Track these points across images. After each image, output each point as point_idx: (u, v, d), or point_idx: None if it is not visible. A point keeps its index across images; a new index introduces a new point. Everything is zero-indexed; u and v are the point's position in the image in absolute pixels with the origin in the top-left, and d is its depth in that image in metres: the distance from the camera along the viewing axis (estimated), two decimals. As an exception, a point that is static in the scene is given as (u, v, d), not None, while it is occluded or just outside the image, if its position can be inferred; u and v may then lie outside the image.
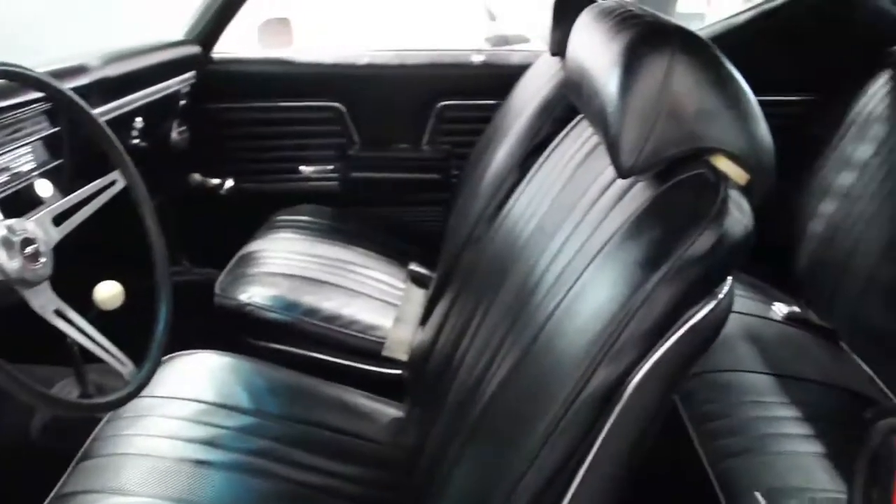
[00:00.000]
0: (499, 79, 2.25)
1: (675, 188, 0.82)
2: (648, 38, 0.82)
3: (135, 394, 1.13)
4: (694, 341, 0.77)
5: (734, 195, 0.78)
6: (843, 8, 2.23)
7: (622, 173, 0.84)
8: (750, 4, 2.28)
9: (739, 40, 2.19)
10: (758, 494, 1.16)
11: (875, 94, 1.96)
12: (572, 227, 0.98)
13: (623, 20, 0.91)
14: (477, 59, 2.36)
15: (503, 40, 3.02)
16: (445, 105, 2.35)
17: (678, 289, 0.75)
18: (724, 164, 0.81)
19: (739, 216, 0.77)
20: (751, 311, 1.79)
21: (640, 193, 0.87)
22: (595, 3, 1.06)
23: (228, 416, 1.30)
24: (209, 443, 1.22)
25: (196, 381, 1.37)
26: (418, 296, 1.89)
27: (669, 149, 0.81)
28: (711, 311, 0.77)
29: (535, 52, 2.28)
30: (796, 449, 1.30)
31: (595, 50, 0.93)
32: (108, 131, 1.25)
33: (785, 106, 2.15)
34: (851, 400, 1.52)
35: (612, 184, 0.95)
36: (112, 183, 1.21)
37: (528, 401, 0.85)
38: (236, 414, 1.31)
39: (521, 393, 0.88)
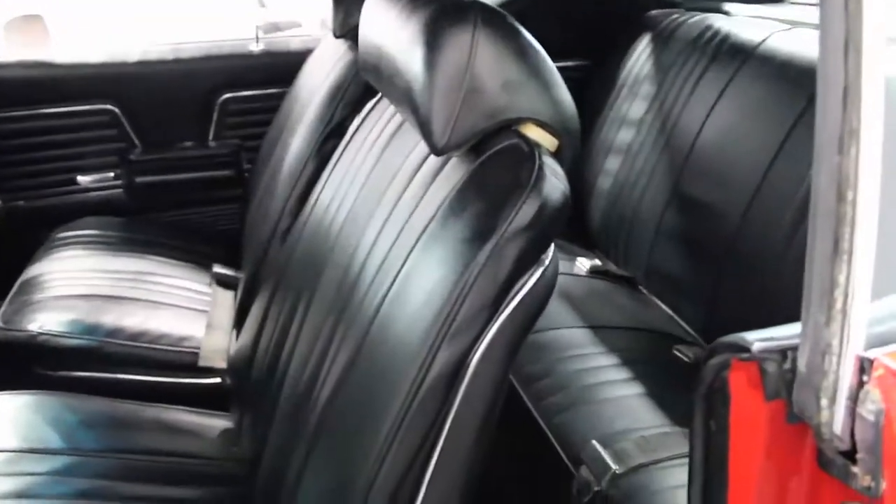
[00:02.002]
0: (281, 67, 2.19)
1: (490, 161, 0.82)
2: (449, 13, 0.81)
3: None
4: (528, 308, 0.79)
5: (548, 161, 0.80)
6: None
7: (436, 151, 0.83)
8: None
9: (513, 11, 2.27)
10: (594, 442, 1.22)
11: (640, 55, 2.10)
12: (388, 210, 0.97)
13: None
14: (256, 47, 2.28)
15: (275, 27, 2.96)
16: (228, 98, 2.25)
17: (508, 260, 0.76)
18: (534, 132, 0.83)
19: (556, 182, 0.79)
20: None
21: (455, 169, 0.86)
22: (383, -18, 1.04)
23: (39, 461, 1.17)
24: (21, 495, 1.10)
25: (-7, 428, 1.23)
26: (227, 298, 1.80)
27: (480, 122, 0.82)
28: (541, 276, 0.79)
29: (315, 38, 2.24)
30: (618, 394, 1.38)
31: (392, 29, 0.92)
32: None
33: (563, 72, 2.26)
34: (658, 340, 1.63)
35: (425, 162, 0.95)
36: None
37: (370, 397, 0.83)
38: (48, 457, 1.19)
39: (361, 389, 0.86)
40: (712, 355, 0.69)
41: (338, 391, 0.89)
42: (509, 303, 0.77)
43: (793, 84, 1.58)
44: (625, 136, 1.99)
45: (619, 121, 2.02)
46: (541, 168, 0.78)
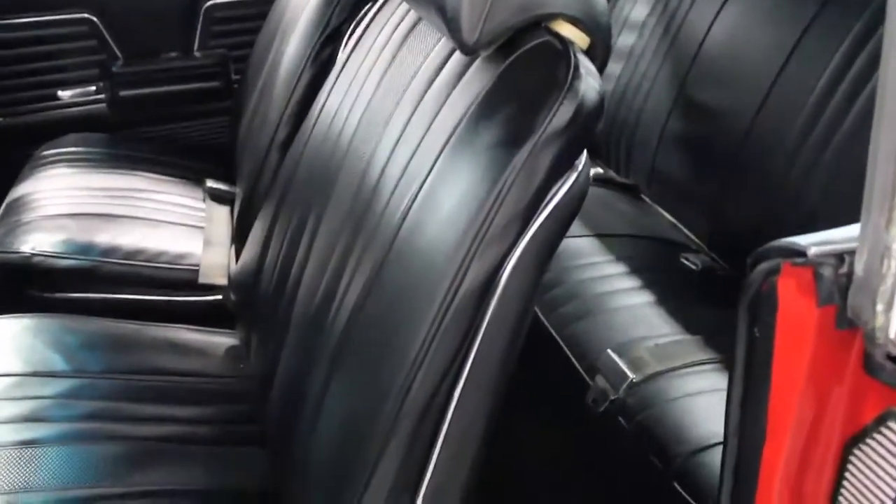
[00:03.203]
0: None
1: (522, 60, 0.78)
2: None
3: None
4: (561, 215, 0.75)
5: (583, 60, 0.76)
6: None
7: (466, 50, 0.78)
8: None
9: None
10: (609, 351, 1.21)
11: (642, -47, 2.02)
12: (408, 113, 0.92)
13: None
14: (238, -50, 2.17)
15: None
16: (213, 4, 2.15)
17: (544, 165, 0.72)
18: (566, 29, 0.78)
19: (592, 81, 0.75)
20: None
21: (483, 69, 0.82)
22: None
23: (44, 385, 1.15)
24: (30, 418, 1.07)
25: (-4, 353, 1.20)
26: (222, 213, 1.76)
27: (511, 18, 0.77)
28: (574, 182, 0.75)
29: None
30: (630, 302, 1.37)
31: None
32: None
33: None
34: (663, 247, 1.61)
35: (447, 62, 0.89)
36: None
37: (399, 309, 0.80)
38: (53, 380, 1.16)
39: (388, 302, 0.83)
40: (760, 260, 0.67)
41: (361, 305, 0.86)
42: (543, 210, 0.74)
43: (807, -15, 1.52)
44: (626, 39, 1.92)
45: (621, 24, 1.95)
46: (576, 67, 0.73)
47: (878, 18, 1.36)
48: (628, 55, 1.90)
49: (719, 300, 1.43)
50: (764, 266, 0.66)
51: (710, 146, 1.64)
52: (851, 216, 1.27)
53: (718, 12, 1.69)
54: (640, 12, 1.93)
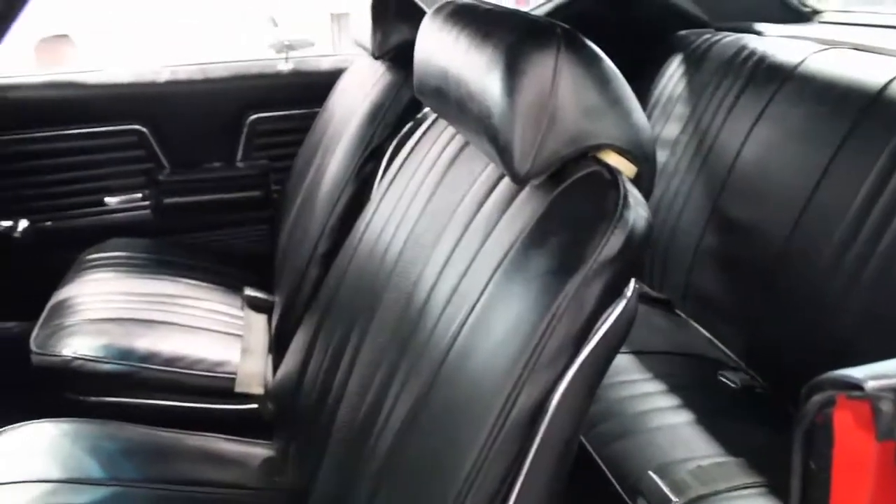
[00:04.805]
0: (310, 87, 2.18)
1: (572, 189, 0.80)
2: (531, 36, 0.79)
3: None
4: (610, 342, 0.76)
5: (632, 189, 0.78)
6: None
7: (518, 180, 0.81)
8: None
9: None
10: (651, 473, 1.19)
11: (671, 76, 2.09)
12: (457, 235, 0.94)
13: (492, 18, 0.88)
14: (285, 67, 2.27)
15: (288, 46, 2.96)
16: (257, 118, 2.24)
17: (594, 292, 0.74)
18: (613, 159, 0.81)
19: (641, 211, 0.76)
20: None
21: (533, 197, 0.84)
22: (445, 2, 1.02)
23: (80, 492, 1.14)
24: (64, 528, 1.07)
25: (33, 458, 1.20)
26: (260, 322, 1.78)
27: (562, 149, 0.79)
28: (624, 309, 0.76)
29: (346, 58, 2.23)
30: (670, 422, 1.35)
31: (461, 51, 0.90)
32: None
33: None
34: (700, 364, 1.60)
35: (496, 187, 0.92)
36: None
37: (447, 432, 0.80)
38: (89, 487, 1.15)
39: (436, 425, 0.82)
40: (814, 391, 0.66)
41: (408, 426, 0.86)
42: (593, 337, 0.75)
43: (835, 106, 1.55)
44: (659, 156, 1.97)
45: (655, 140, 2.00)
46: (625, 196, 0.75)
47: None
48: (661, 171, 1.94)
49: (761, 420, 1.41)
50: (818, 398, 0.66)
51: (746, 263, 1.65)
52: (893, 337, 1.26)
53: (750, 131, 1.73)
54: (672, 130, 1.98)
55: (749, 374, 1.55)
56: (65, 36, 2.15)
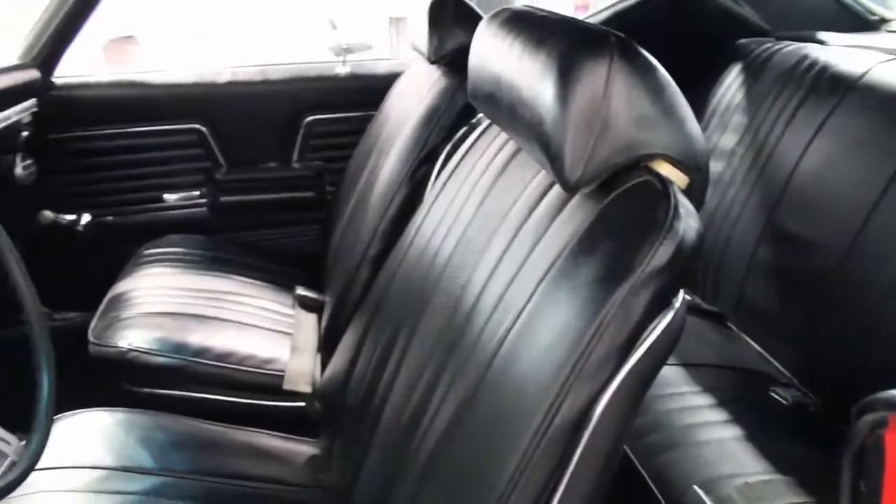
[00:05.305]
0: (366, 90, 2.20)
1: (622, 197, 0.79)
2: (585, 43, 0.79)
3: (26, 474, 0.99)
4: (656, 354, 0.75)
5: (683, 200, 0.77)
6: (688, 7, 2.34)
7: (568, 187, 0.81)
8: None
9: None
10: (696, 488, 1.17)
11: (730, 85, 2.06)
12: (506, 241, 0.94)
13: (546, 25, 0.88)
14: (342, 70, 2.30)
15: (347, 49, 3.01)
16: (313, 119, 2.27)
17: (642, 303, 0.73)
18: (665, 168, 0.80)
19: (692, 221, 0.76)
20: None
21: (583, 205, 0.84)
22: (501, 9, 1.02)
23: (131, 480, 1.17)
24: (116, 514, 1.10)
25: (88, 445, 1.24)
26: (310, 321, 1.80)
27: (613, 157, 0.79)
28: (671, 321, 0.76)
29: (403, 62, 2.25)
30: (718, 436, 1.33)
31: (515, 57, 0.90)
32: None
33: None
34: (750, 379, 1.58)
35: (546, 194, 0.92)
36: None
37: (490, 436, 0.80)
38: (140, 476, 1.19)
39: (480, 428, 0.83)
40: (865, 411, 0.65)
41: (452, 428, 0.87)
42: (639, 347, 0.74)
43: (901, 117, 1.52)
44: (715, 166, 1.94)
45: (710, 151, 1.98)
46: (676, 207, 0.75)
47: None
48: (716, 182, 1.91)
49: (811, 438, 1.38)
50: (870, 417, 0.65)
51: (801, 277, 1.61)
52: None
53: (810, 142, 1.69)
54: (728, 140, 1.95)
55: (801, 391, 1.52)
56: (131, 37, 2.21)
